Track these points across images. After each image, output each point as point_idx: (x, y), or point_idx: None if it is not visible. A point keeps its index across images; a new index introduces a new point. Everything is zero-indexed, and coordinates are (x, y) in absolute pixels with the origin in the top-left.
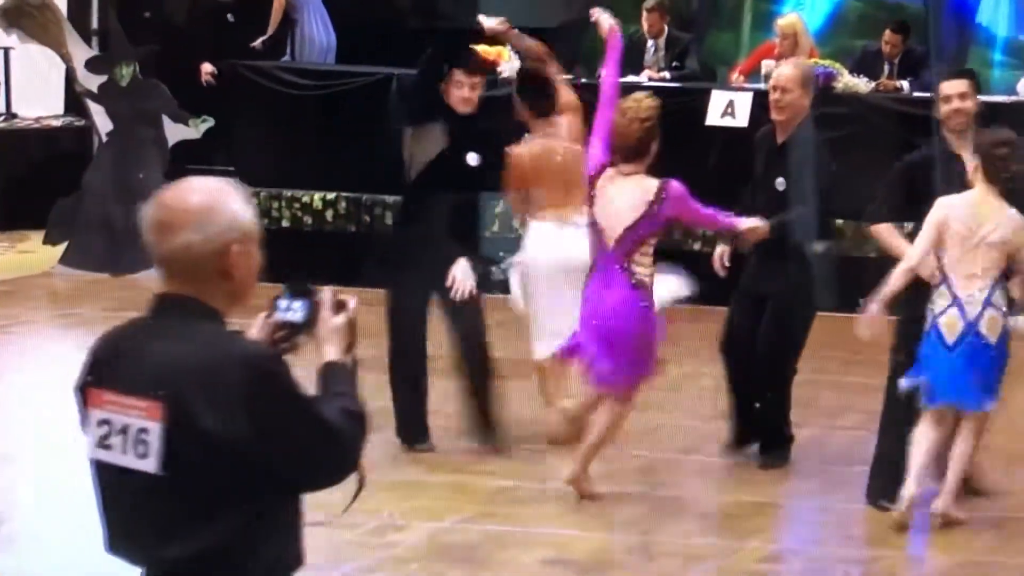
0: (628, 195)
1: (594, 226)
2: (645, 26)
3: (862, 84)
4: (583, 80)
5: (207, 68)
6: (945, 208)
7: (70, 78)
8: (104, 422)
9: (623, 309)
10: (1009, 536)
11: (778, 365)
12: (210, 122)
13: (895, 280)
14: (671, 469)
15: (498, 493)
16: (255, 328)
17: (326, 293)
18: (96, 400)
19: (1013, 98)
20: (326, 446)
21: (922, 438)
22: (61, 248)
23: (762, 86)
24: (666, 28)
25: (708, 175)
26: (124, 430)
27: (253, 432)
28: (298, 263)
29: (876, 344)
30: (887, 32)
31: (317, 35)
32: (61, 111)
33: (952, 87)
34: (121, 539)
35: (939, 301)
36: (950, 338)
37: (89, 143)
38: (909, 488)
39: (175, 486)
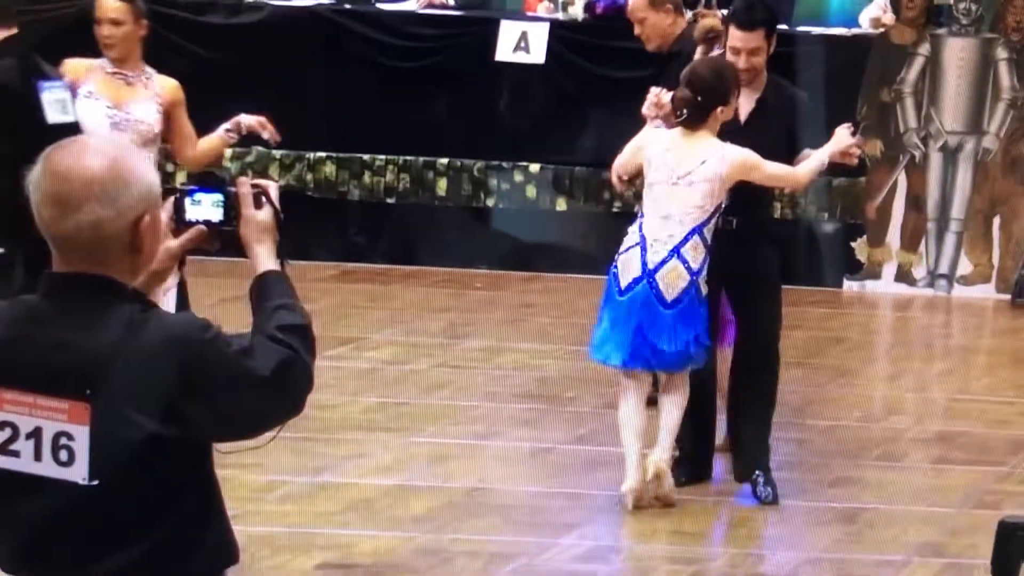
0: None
1: None
2: None
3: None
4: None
5: None
6: (645, 140)
7: None
8: (6, 424)
9: None
10: (861, 529)
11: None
12: None
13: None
14: (467, 456)
15: (266, 489)
16: (161, 233)
17: (243, 184)
18: None
19: (854, 30)
20: (277, 398)
21: (630, 413)
22: None
23: (559, 16)
24: None
25: (498, 120)
26: (35, 434)
27: (196, 418)
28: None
29: None
30: None
31: None
32: None
33: (744, 40)
34: (31, 558)
35: (628, 237)
36: (623, 280)
37: None
38: (632, 480)
39: (107, 494)
